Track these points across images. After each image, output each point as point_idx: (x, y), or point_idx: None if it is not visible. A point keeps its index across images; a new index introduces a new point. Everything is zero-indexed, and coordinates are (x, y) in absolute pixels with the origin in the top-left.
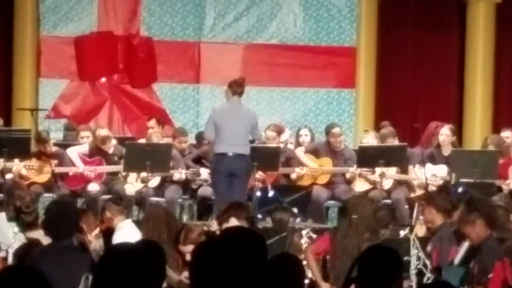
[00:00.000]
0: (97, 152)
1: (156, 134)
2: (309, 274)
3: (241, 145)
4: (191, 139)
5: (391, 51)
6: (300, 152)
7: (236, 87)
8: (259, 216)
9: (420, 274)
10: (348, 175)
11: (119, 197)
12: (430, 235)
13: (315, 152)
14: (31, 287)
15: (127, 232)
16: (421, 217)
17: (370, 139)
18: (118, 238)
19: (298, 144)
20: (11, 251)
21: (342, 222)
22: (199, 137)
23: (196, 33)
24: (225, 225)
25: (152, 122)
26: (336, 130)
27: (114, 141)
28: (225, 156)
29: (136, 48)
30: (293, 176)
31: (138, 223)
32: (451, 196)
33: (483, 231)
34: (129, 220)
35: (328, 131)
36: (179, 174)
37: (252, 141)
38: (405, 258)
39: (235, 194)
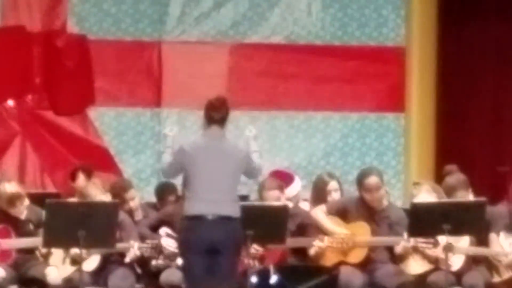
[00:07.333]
0: (1, 218)
1: (93, 189)
2: None
3: (227, 202)
4: (150, 194)
5: (461, 53)
6: (320, 214)
7: (214, 112)
8: None
9: None
10: (396, 249)
11: None
12: None
13: (343, 213)
14: None
15: None
16: None
17: (425, 196)
18: None
19: (318, 200)
20: None
21: None
22: (161, 191)
23: (154, 28)
24: None
25: (80, 180)
26: (372, 180)
27: (27, 202)
28: (201, 221)
29: (62, 53)
30: (311, 252)
31: None
32: None
33: None
34: None
35: (361, 181)
36: (132, 250)
37: (244, 197)
38: None
39: (217, 281)
